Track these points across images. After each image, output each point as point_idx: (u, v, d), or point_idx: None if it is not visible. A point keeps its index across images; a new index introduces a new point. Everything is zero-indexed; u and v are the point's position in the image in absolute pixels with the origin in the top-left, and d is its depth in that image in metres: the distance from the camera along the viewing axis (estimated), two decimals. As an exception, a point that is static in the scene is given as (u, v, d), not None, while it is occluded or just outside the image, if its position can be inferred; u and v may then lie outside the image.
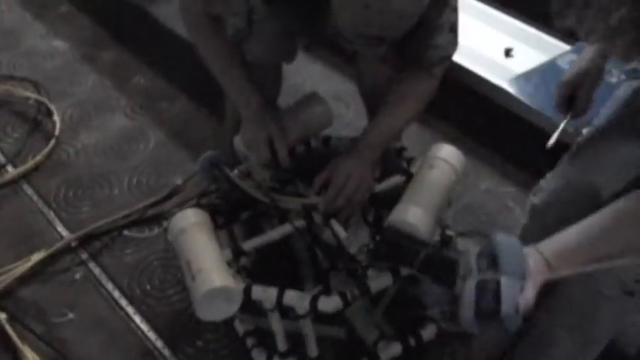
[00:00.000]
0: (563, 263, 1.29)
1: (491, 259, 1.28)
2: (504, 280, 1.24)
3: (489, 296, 1.24)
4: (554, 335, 1.62)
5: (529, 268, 1.27)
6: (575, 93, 1.77)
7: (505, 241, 1.29)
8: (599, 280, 1.44)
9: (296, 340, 1.81)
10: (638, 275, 1.43)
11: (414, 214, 1.63)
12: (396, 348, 1.83)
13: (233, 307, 1.62)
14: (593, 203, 1.41)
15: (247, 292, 1.64)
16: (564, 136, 1.79)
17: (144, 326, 2.04)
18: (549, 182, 1.65)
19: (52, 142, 2.63)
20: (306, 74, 2.80)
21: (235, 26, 1.78)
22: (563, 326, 1.60)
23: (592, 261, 1.28)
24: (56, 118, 2.74)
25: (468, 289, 1.28)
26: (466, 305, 1.27)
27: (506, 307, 1.22)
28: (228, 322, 1.92)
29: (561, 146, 1.70)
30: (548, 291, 1.46)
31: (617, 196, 1.35)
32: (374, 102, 2.00)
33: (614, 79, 2.13)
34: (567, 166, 1.65)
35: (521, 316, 1.25)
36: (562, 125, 1.81)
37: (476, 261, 1.30)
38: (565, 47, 2.35)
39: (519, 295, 1.24)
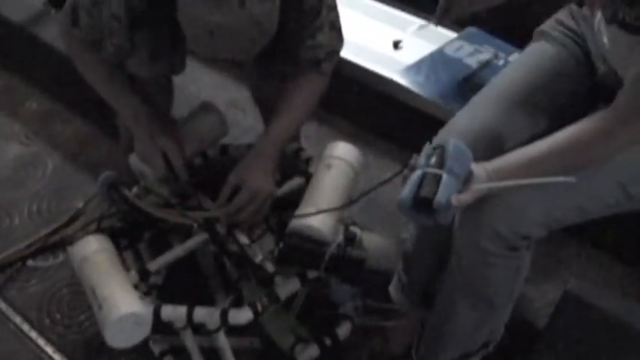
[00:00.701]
0: (501, 176, 1.41)
1: (441, 159, 1.39)
2: (445, 177, 1.36)
3: (429, 186, 1.36)
4: (454, 302, 1.68)
5: (472, 176, 1.40)
6: None
7: (456, 147, 1.40)
8: (482, 237, 1.50)
9: (214, 355, 1.79)
10: (521, 233, 1.50)
11: (315, 217, 1.64)
12: (314, 350, 1.84)
13: (144, 331, 1.60)
14: (496, 150, 1.50)
15: (157, 313, 1.62)
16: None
17: (57, 357, 1.99)
18: (457, 122, 1.68)
19: (-56, 177, 2.55)
20: (201, 84, 2.77)
21: (115, 45, 1.75)
22: (460, 292, 1.66)
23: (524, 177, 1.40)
24: (-54, 152, 2.65)
25: (413, 177, 1.38)
26: (407, 190, 1.37)
27: (440, 197, 1.33)
28: (144, 343, 1.89)
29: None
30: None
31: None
32: (267, 106, 2.00)
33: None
34: (475, 106, 1.70)
35: (453, 212, 1.39)
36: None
37: (427, 158, 1.41)
38: (452, 35, 2.38)
39: (455, 194, 1.36)
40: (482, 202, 1.45)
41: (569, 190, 1.44)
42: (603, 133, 1.40)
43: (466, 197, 1.39)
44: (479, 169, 1.43)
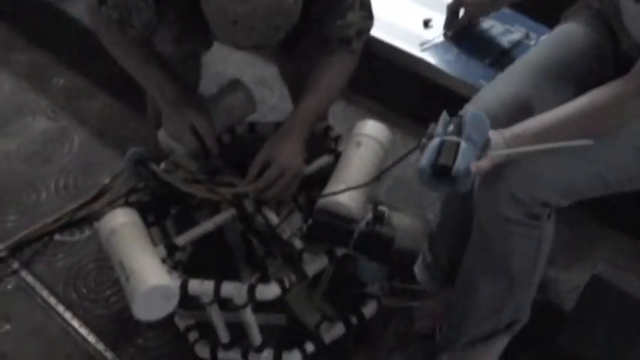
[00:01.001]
0: (518, 143, 1.41)
1: (459, 127, 1.39)
2: (463, 145, 1.36)
3: (447, 154, 1.36)
4: (475, 277, 1.68)
5: (490, 143, 1.40)
6: None
7: (474, 115, 1.40)
8: (502, 204, 1.50)
9: (238, 331, 1.79)
10: (540, 199, 1.49)
11: (344, 194, 1.63)
12: (339, 328, 1.83)
13: (171, 305, 1.60)
14: (519, 121, 1.48)
15: (184, 287, 1.62)
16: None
17: (83, 331, 2.00)
18: (483, 94, 1.69)
19: (-28, 151, 2.57)
20: (228, 62, 2.76)
21: (143, 22, 1.75)
22: (481, 266, 1.67)
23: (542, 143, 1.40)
24: (-26, 126, 2.67)
25: (431, 145, 1.38)
26: (426, 158, 1.37)
27: (458, 164, 1.34)
28: (169, 319, 1.89)
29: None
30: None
31: None
32: (296, 85, 1.99)
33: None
34: (500, 80, 1.71)
35: (471, 179, 1.38)
36: None
37: (445, 126, 1.41)
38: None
39: (473, 161, 1.36)
40: (500, 168, 1.45)
41: (586, 156, 1.45)
42: (618, 100, 1.40)
43: (484, 164, 1.39)
44: (496, 136, 1.43)
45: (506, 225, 1.52)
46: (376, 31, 1.93)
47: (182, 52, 1.88)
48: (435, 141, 1.39)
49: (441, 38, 2.22)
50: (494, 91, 1.67)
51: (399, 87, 2.46)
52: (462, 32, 2.20)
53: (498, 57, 2.13)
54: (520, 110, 1.57)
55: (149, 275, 1.56)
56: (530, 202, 1.49)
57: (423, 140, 1.43)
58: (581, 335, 1.83)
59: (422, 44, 2.19)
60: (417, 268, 1.95)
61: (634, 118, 1.44)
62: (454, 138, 1.38)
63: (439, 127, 1.42)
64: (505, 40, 2.17)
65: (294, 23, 1.63)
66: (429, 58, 2.19)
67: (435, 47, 2.22)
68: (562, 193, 1.51)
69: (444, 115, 1.46)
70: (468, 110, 1.43)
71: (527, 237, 1.56)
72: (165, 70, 1.83)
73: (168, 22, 1.78)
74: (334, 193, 1.64)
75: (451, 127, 1.41)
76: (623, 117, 1.43)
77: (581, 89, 1.49)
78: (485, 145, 1.41)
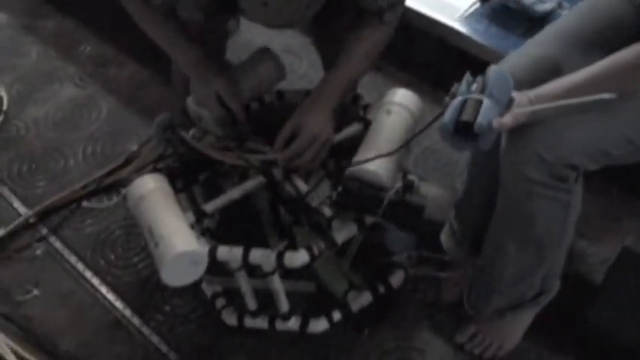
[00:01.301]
0: (543, 102, 1.41)
1: (482, 86, 1.40)
2: (486, 102, 1.37)
3: (470, 111, 1.37)
4: (502, 243, 1.67)
5: (513, 102, 1.41)
6: None
7: (497, 73, 1.42)
8: (527, 165, 1.48)
9: (266, 298, 1.80)
10: (565, 160, 1.47)
11: (373, 162, 1.62)
12: (367, 297, 1.83)
13: (199, 270, 1.60)
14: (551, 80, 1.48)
15: (212, 253, 1.62)
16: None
17: (111, 296, 2.02)
18: (511, 57, 1.68)
19: (1, 118, 2.57)
20: (257, 30, 2.71)
21: None
22: (508, 231, 1.65)
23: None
24: (2, 93, 2.67)
25: (454, 103, 1.39)
26: (449, 115, 1.39)
27: (481, 120, 1.34)
28: (196, 285, 1.90)
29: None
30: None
31: None
32: (330, 52, 1.97)
33: None
34: (529, 44, 1.70)
35: (493, 137, 1.39)
36: None
37: (468, 85, 1.43)
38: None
39: (496, 118, 1.37)
40: (526, 127, 1.45)
41: (614, 118, 1.45)
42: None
43: (507, 120, 1.39)
44: (520, 95, 1.43)
45: (532, 186, 1.50)
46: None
47: (208, 20, 1.87)
48: (458, 99, 1.40)
49: (474, 7, 2.20)
50: (522, 54, 1.66)
51: (429, 56, 2.45)
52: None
53: (531, 27, 2.11)
54: (548, 73, 1.54)
55: (178, 241, 1.56)
56: (556, 163, 1.47)
57: (446, 99, 1.44)
58: (611, 309, 1.82)
59: (454, 13, 2.17)
60: (444, 235, 1.94)
61: None
62: (477, 95, 1.39)
63: (462, 86, 1.43)
64: (538, 10, 2.14)
65: (324, 1, 1.61)
66: (461, 27, 2.18)
67: (467, 17, 2.20)
68: (588, 155, 1.49)
69: (467, 76, 1.46)
70: (492, 68, 1.44)
71: (554, 200, 1.54)
72: (189, 39, 1.82)
73: None
74: (364, 161, 1.63)
75: (474, 86, 1.42)
76: None
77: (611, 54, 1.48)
78: (509, 104, 1.41)
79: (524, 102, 1.42)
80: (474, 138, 1.38)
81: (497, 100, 1.38)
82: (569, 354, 1.84)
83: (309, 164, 1.74)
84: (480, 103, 1.37)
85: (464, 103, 1.39)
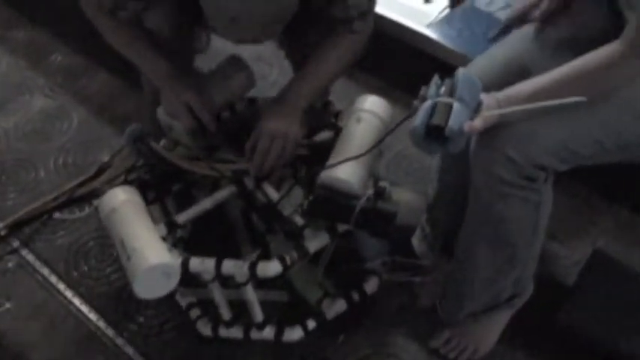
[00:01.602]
0: (512, 104, 1.43)
1: (451, 89, 1.41)
2: (456, 105, 1.38)
3: (440, 115, 1.38)
4: (473, 246, 1.69)
5: (482, 104, 1.43)
6: None
7: (466, 77, 1.43)
8: (496, 165, 1.50)
9: (240, 308, 1.80)
10: (534, 160, 1.49)
11: (344, 170, 1.62)
12: (341, 304, 1.84)
13: (172, 283, 1.60)
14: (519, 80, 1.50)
15: (185, 265, 1.62)
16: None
17: (84, 308, 2.01)
18: (478, 61, 1.71)
19: (-29, 129, 2.56)
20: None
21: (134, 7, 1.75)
22: (479, 234, 1.67)
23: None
24: (-29, 105, 2.65)
25: (424, 107, 1.40)
26: (419, 119, 1.39)
27: (451, 124, 1.35)
28: (170, 296, 1.88)
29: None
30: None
31: None
32: (304, 62, 1.97)
33: None
34: (496, 47, 1.73)
35: (464, 140, 1.42)
36: None
37: (437, 88, 1.44)
38: (483, -12, 2.33)
39: (466, 121, 1.38)
40: (495, 129, 1.46)
41: (582, 119, 1.46)
42: (610, 62, 1.41)
43: (477, 123, 1.40)
44: (489, 98, 1.44)
45: (501, 187, 1.52)
46: (377, 6, 1.91)
47: (175, 33, 1.87)
48: (428, 103, 1.41)
49: (444, 14, 2.21)
50: (489, 56, 1.69)
51: (400, 63, 2.45)
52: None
53: (500, 31, 2.12)
54: (515, 75, 1.56)
55: (150, 254, 1.55)
56: (524, 164, 1.48)
57: (415, 102, 1.45)
58: (583, 310, 1.84)
59: (425, 20, 2.18)
60: (416, 241, 1.95)
61: (627, 79, 1.45)
62: (447, 99, 1.40)
63: (432, 89, 1.44)
64: (505, 15, 2.15)
65: (293, 13, 1.62)
66: (431, 33, 2.18)
67: (437, 23, 2.21)
68: (556, 155, 1.50)
69: (436, 79, 1.47)
70: (460, 71, 1.45)
71: (524, 200, 1.55)
72: (157, 49, 1.81)
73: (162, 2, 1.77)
74: (335, 164, 1.63)
75: (443, 89, 1.43)
76: (616, 78, 1.44)
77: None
78: (478, 107, 1.42)
79: (493, 104, 1.43)
80: (444, 141, 1.39)
81: (466, 104, 1.40)
82: (543, 356, 1.85)
83: (277, 165, 1.73)
84: (450, 106, 1.38)
85: (434, 106, 1.40)
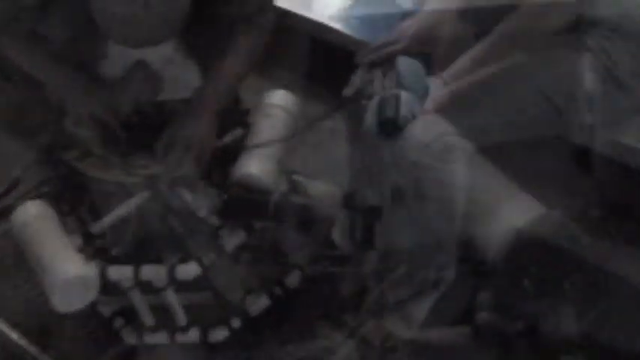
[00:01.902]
0: (457, 78, 1.49)
1: (394, 80, 1.45)
2: (403, 94, 1.41)
3: (389, 106, 1.42)
4: (394, 234, 1.73)
5: (430, 88, 1.48)
6: None
7: (407, 63, 1.48)
8: (410, 148, 1.52)
9: (166, 312, 1.78)
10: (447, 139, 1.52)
11: (256, 166, 1.63)
12: (264, 300, 1.84)
13: (91, 294, 1.59)
14: None
15: (103, 274, 1.60)
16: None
17: (4, 327, 1.96)
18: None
19: None
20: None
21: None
22: (398, 220, 1.70)
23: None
24: None
25: (372, 104, 1.44)
26: (370, 117, 1.43)
27: (404, 112, 1.39)
28: (93, 306, 1.87)
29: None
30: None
31: None
32: (208, 63, 1.97)
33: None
34: None
35: None
36: None
37: (382, 82, 1.47)
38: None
39: (417, 107, 1.42)
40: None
41: (489, 97, 1.52)
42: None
43: (430, 105, 1.46)
44: (436, 79, 1.51)
45: (416, 170, 1.54)
46: (279, 1, 1.92)
47: (73, 37, 1.84)
48: (375, 99, 1.44)
49: (347, 3, 2.22)
50: None
51: (306, 55, 2.46)
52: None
53: (403, 18, 2.14)
54: None
55: (65, 267, 1.55)
56: (437, 145, 1.51)
57: (345, 91, 1.54)
58: (506, 292, 1.86)
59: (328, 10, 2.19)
60: (336, 232, 1.96)
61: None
62: (393, 91, 1.43)
63: (376, 85, 1.48)
64: (408, 0, 2.18)
65: (186, 13, 1.61)
66: (335, 23, 2.19)
67: (340, 13, 2.22)
68: (465, 133, 1.53)
69: (378, 74, 1.51)
70: (401, 60, 1.48)
71: (439, 182, 1.58)
72: (57, 59, 1.79)
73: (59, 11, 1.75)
74: (243, 163, 1.65)
75: (387, 82, 1.47)
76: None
77: None
78: (426, 92, 1.47)
79: (440, 84, 1.48)
80: (400, 131, 1.42)
81: (413, 89, 1.44)
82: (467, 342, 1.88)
83: (190, 169, 1.73)
84: (397, 96, 1.41)
85: (382, 100, 1.43)
